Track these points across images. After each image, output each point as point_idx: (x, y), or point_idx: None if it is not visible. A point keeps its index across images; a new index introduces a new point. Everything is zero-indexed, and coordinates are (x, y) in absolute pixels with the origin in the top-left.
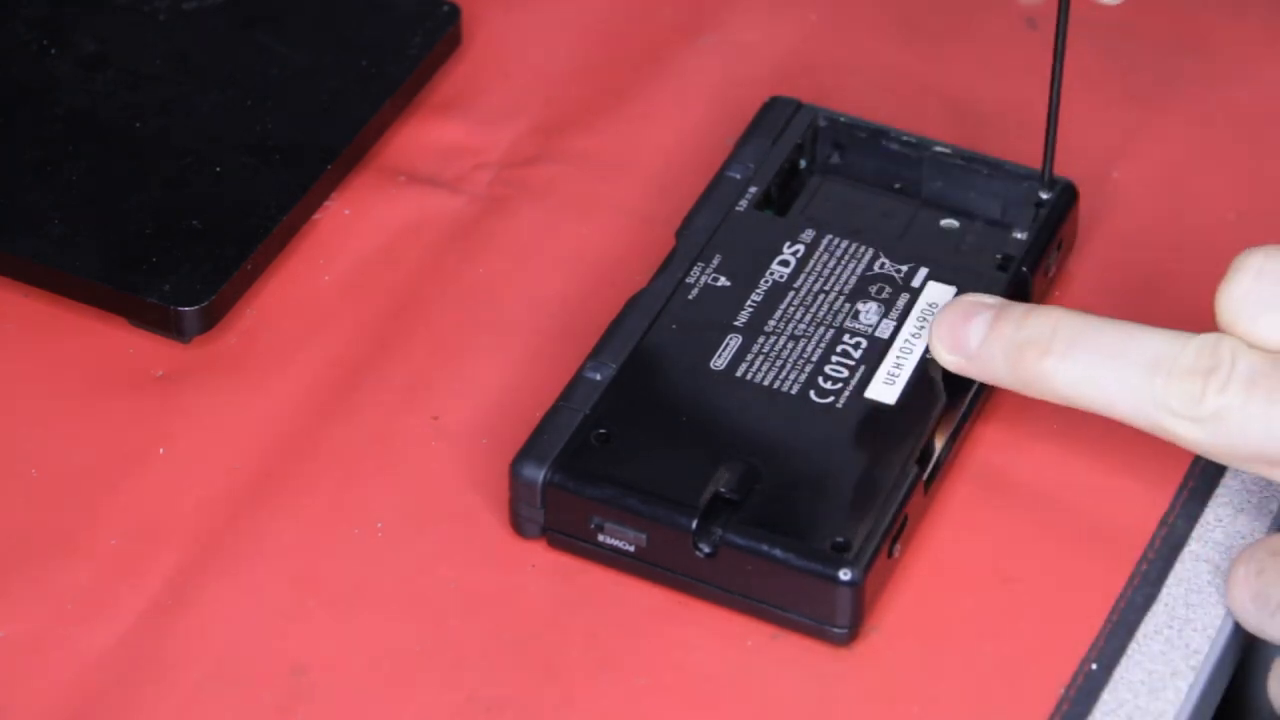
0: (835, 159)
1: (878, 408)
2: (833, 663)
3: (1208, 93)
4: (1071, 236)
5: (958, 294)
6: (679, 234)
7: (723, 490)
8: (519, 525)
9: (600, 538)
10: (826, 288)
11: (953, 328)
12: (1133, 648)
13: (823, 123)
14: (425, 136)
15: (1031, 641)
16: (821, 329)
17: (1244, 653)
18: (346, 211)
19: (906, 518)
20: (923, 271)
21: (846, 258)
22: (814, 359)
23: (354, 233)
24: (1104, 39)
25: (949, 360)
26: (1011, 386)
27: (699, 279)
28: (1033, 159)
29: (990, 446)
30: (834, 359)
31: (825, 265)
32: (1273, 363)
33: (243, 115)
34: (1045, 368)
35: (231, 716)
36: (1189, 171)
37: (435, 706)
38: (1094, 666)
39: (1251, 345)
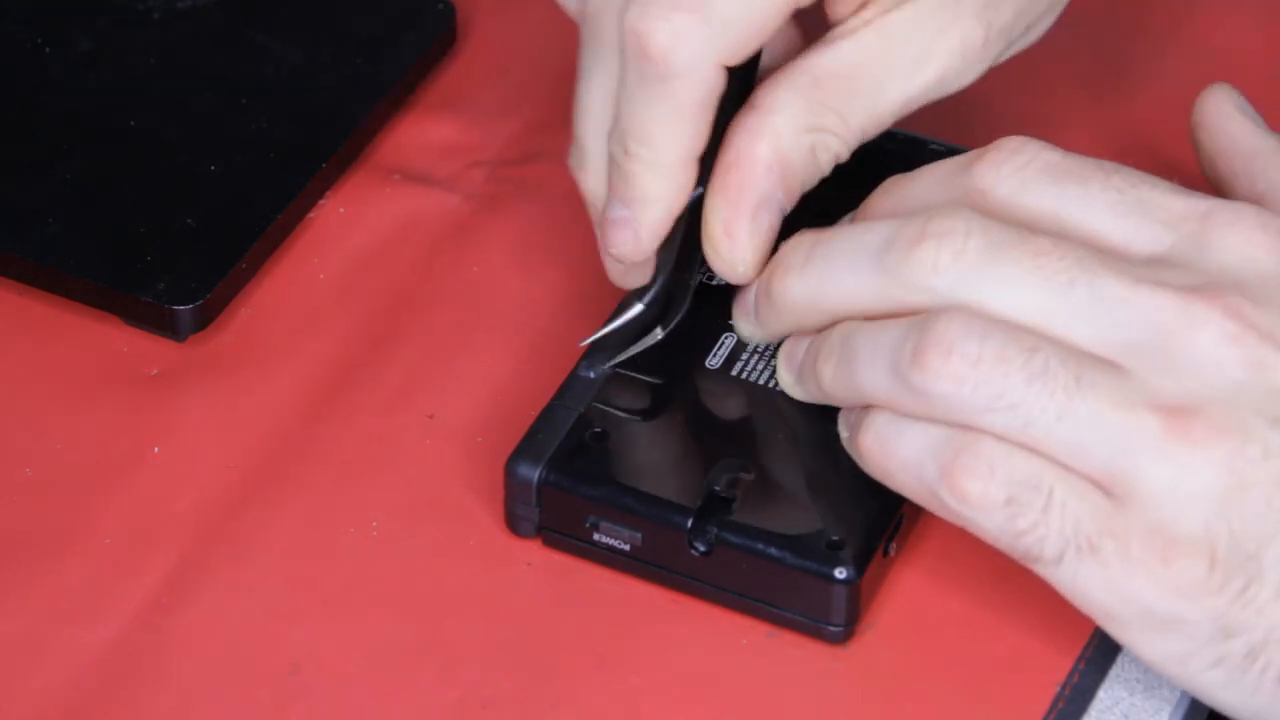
0: None
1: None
2: (829, 661)
3: (1202, 89)
4: None
5: None
6: None
7: (718, 489)
8: (514, 524)
9: (595, 536)
10: None
11: (740, 297)
12: None
13: None
14: (420, 135)
15: (1027, 639)
16: None
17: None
18: (341, 210)
19: (903, 516)
20: None
21: None
22: None
23: (349, 231)
24: (1100, 37)
25: (744, 331)
26: (782, 325)
27: (694, 278)
28: None
29: None
30: None
31: None
32: (1015, 232)
33: (237, 114)
34: (788, 284)
35: (227, 715)
36: (1184, 167)
37: (430, 705)
38: (1089, 664)
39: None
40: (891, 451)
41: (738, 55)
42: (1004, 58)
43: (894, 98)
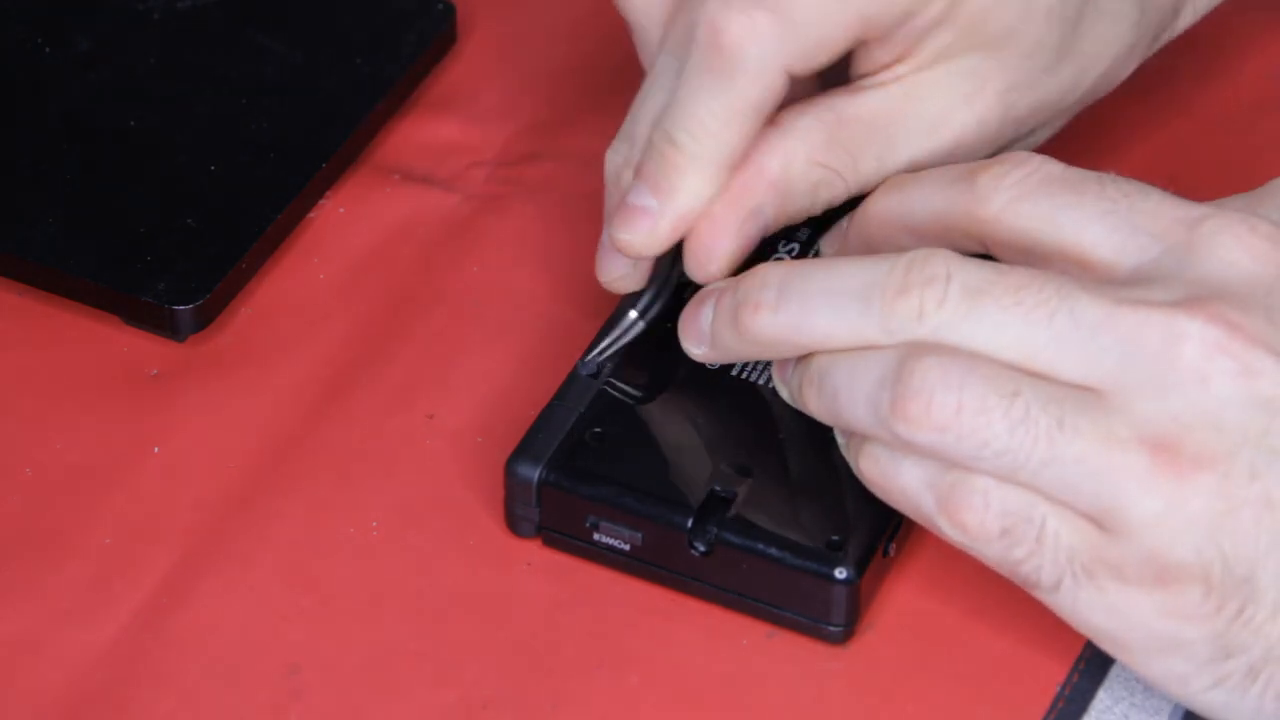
0: None
1: None
2: (829, 661)
3: (1204, 88)
4: None
5: None
6: None
7: (718, 489)
8: (514, 524)
9: (595, 537)
10: None
11: (691, 319)
12: None
13: None
14: (420, 135)
15: (1027, 639)
16: None
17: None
18: (341, 210)
19: (902, 516)
20: None
21: None
22: None
23: (349, 231)
24: None
25: (696, 353)
26: (748, 355)
27: None
28: None
29: None
30: None
31: None
32: (994, 271)
33: (237, 113)
34: (760, 321)
35: (226, 715)
36: (1184, 168)
37: (430, 705)
38: (1089, 664)
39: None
40: (890, 480)
41: (806, 64)
42: (1008, 148)
43: (904, 155)
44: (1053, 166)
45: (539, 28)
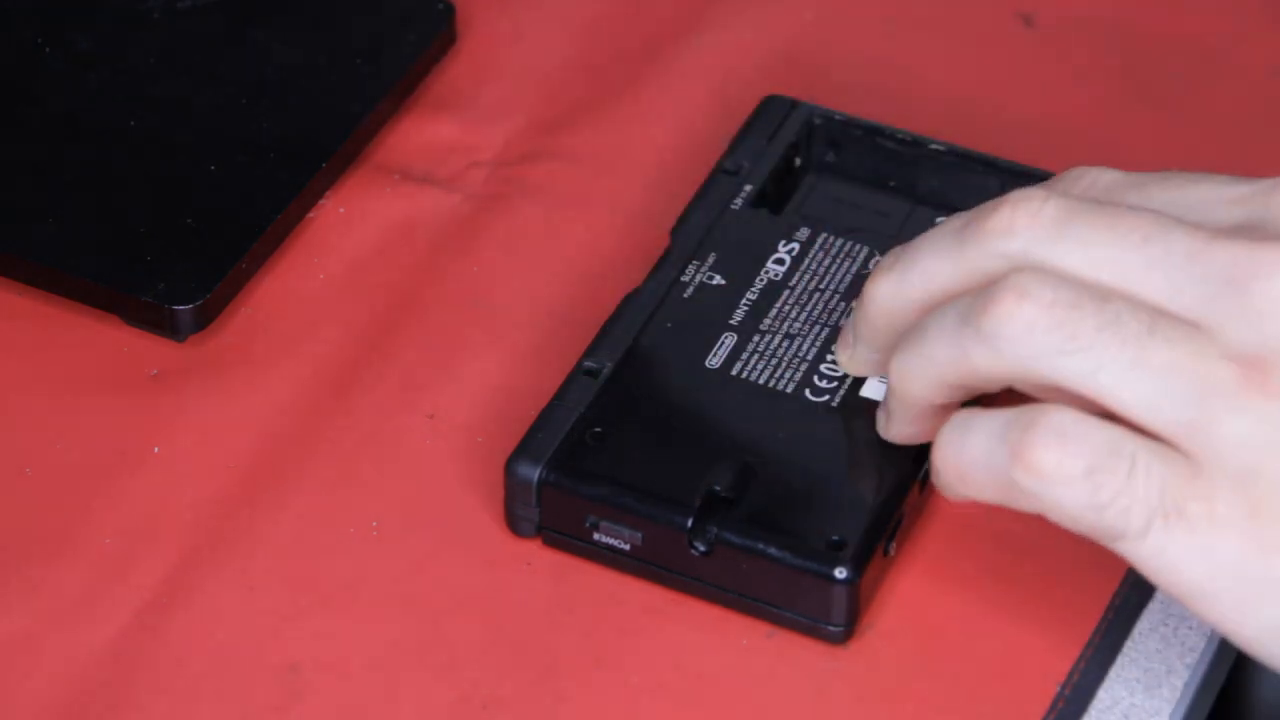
0: (830, 157)
1: (873, 406)
2: (828, 661)
3: (1205, 91)
4: None
5: None
6: (674, 232)
7: (718, 489)
8: (514, 524)
9: (595, 536)
10: (822, 286)
11: (842, 329)
12: (1129, 645)
13: (818, 121)
14: (420, 135)
15: (1027, 639)
16: (817, 327)
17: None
18: (341, 210)
19: (902, 516)
20: None
21: (842, 256)
22: (809, 357)
23: (349, 231)
24: (1103, 38)
25: (842, 358)
26: (875, 334)
27: (694, 277)
28: (1027, 156)
29: None
30: (829, 357)
31: (820, 263)
32: (1091, 202)
33: (237, 114)
34: (878, 285)
35: (226, 715)
36: (1183, 169)
37: (430, 705)
38: (1089, 664)
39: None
40: (962, 451)
41: None
42: None
43: None
44: (1114, 174)
45: (539, 27)
